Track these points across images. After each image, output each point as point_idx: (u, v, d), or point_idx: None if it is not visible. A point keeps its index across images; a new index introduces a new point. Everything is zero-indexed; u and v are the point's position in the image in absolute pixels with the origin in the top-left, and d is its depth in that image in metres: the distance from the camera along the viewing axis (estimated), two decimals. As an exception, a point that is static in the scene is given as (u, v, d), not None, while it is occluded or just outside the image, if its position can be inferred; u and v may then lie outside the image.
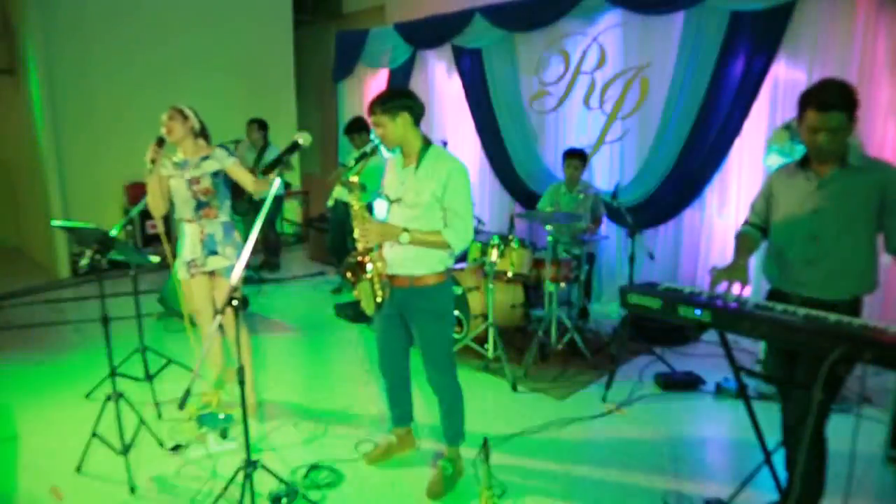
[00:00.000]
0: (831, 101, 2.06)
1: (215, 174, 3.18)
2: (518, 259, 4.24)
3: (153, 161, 3.12)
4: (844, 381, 2.13)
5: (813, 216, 2.22)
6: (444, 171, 2.49)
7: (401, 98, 2.55)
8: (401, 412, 2.99)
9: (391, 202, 2.64)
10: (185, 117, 3.20)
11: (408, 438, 3.05)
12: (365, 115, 7.33)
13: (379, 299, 2.63)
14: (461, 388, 2.79)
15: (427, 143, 2.59)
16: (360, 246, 2.57)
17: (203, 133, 3.28)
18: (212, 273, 3.25)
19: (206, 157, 3.19)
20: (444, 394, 2.75)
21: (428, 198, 2.50)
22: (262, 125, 6.37)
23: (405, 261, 2.56)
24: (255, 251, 3.21)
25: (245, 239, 3.16)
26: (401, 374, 2.89)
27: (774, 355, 2.46)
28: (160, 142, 3.16)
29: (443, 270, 2.61)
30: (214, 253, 3.22)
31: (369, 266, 2.58)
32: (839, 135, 2.09)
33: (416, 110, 2.58)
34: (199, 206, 3.19)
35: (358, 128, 5.46)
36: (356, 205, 2.57)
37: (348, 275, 2.62)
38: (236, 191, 3.42)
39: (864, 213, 2.16)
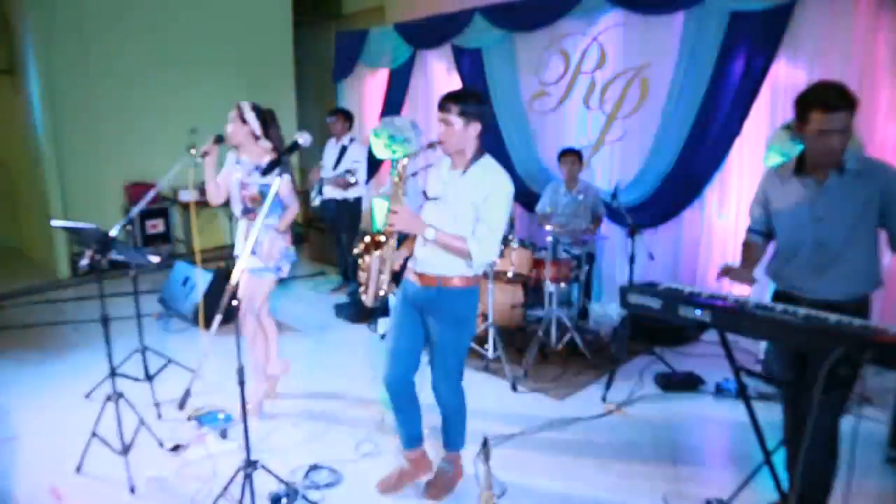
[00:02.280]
0: (836, 101, 2.04)
1: (264, 185, 3.15)
2: (518, 259, 4.24)
3: (204, 155, 3.16)
4: (855, 380, 2.13)
5: (817, 225, 2.22)
6: (490, 183, 2.44)
7: (480, 105, 2.44)
8: (410, 432, 2.80)
9: (428, 199, 2.60)
10: (244, 122, 3.19)
11: (423, 462, 2.86)
12: (360, 114, 7.37)
13: (382, 293, 2.61)
14: (465, 400, 2.76)
15: (481, 152, 2.52)
16: (385, 227, 2.53)
17: (267, 134, 3.24)
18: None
19: (258, 168, 3.16)
20: (449, 400, 2.71)
21: (465, 203, 2.45)
22: None
23: (435, 259, 2.52)
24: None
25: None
26: (407, 385, 2.73)
27: (781, 356, 2.46)
28: (218, 139, 3.20)
29: (471, 275, 2.55)
30: (254, 253, 3.25)
31: (382, 239, 2.55)
32: (846, 135, 2.08)
33: (487, 122, 2.50)
34: (246, 210, 3.25)
35: (345, 117, 5.62)
36: (396, 188, 2.51)
37: (361, 247, 2.60)
38: None
39: (867, 217, 2.16)
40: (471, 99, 2.43)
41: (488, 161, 2.52)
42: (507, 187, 2.48)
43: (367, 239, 2.62)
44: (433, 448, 3.09)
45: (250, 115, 3.19)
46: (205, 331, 3.38)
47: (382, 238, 2.58)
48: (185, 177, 3.22)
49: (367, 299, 2.68)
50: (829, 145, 2.11)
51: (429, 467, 2.87)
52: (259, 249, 3.24)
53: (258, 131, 3.22)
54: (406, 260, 2.70)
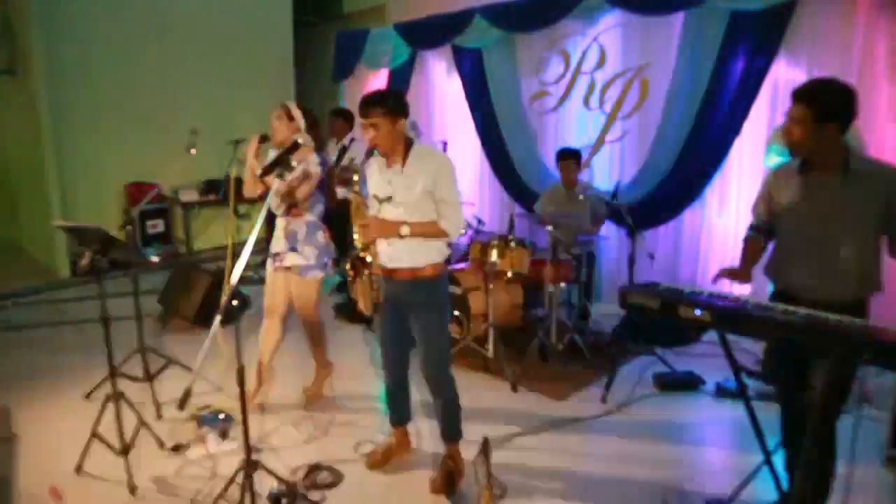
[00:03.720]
0: (798, 92, 2.14)
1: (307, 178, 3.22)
2: (518, 259, 4.24)
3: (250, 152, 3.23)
4: (852, 381, 2.13)
5: (818, 223, 2.22)
6: (433, 166, 2.54)
7: (399, 101, 2.56)
8: (400, 413, 2.99)
9: (380, 202, 2.65)
10: (292, 119, 3.24)
11: (405, 439, 3.05)
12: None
13: (377, 299, 2.70)
14: (456, 385, 2.80)
15: (410, 142, 2.61)
16: (359, 242, 2.61)
17: (310, 133, 3.30)
18: (289, 269, 3.31)
19: (299, 163, 3.19)
20: (441, 389, 2.76)
21: (420, 193, 2.54)
22: None
23: (404, 254, 2.59)
24: (257, 251, 3.22)
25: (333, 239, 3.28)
26: (402, 373, 2.89)
27: (779, 356, 2.46)
28: (263, 138, 3.26)
29: (441, 262, 2.65)
30: (294, 250, 3.28)
31: (369, 259, 2.64)
32: (800, 127, 2.13)
33: (408, 114, 2.61)
34: (289, 205, 3.26)
35: (346, 117, 5.61)
36: (355, 200, 2.62)
37: (350, 270, 2.67)
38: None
39: (870, 218, 2.16)
40: (389, 97, 2.55)
41: (419, 148, 2.62)
42: (448, 162, 2.59)
43: (353, 262, 2.69)
44: (433, 446, 3.10)
45: (297, 113, 3.25)
46: (206, 330, 3.39)
47: (368, 258, 2.66)
48: (187, 174, 3.25)
49: (367, 308, 2.78)
50: (786, 131, 2.21)
51: (409, 445, 3.08)
52: (299, 245, 3.26)
53: (303, 128, 3.27)
54: None
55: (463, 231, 2.63)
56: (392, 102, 2.52)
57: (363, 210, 2.64)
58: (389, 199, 2.61)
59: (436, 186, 2.53)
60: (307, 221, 3.28)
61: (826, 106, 2.08)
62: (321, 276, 3.37)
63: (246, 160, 3.28)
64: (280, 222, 3.34)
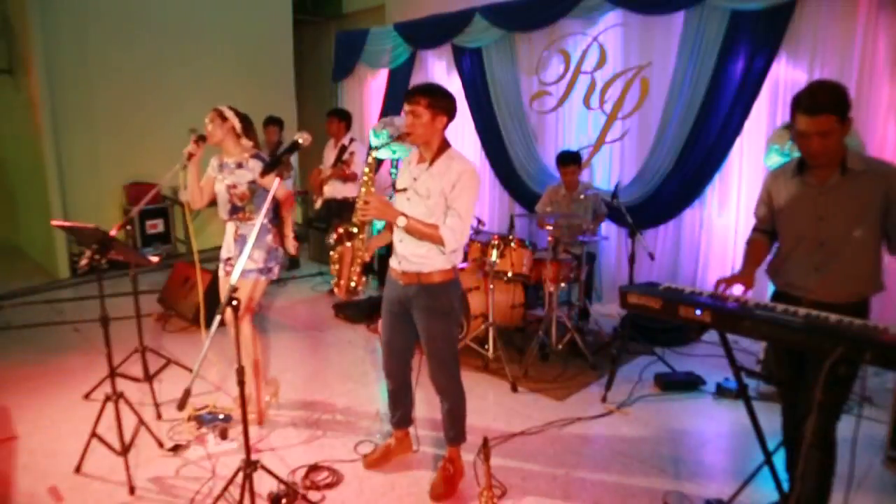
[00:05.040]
0: (820, 104, 2.05)
1: (251, 182, 3.19)
2: (518, 259, 4.24)
3: (190, 156, 3.17)
4: (852, 382, 2.13)
5: (819, 224, 2.22)
6: (456, 172, 2.50)
7: (447, 100, 2.53)
8: (402, 415, 2.97)
9: (397, 192, 2.65)
10: (224, 119, 3.22)
11: (406, 441, 3.04)
12: (360, 114, 7.37)
13: (353, 284, 2.65)
14: (463, 389, 2.79)
15: (447, 145, 2.59)
16: (357, 217, 2.56)
17: (247, 133, 3.28)
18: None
19: (241, 165, 3.19)
20: (447, 394, 2.75)
21: (436, 194, 2.51)
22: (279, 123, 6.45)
23: (414, 257, 2.57)
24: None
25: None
26: (404, 376, 2.88)
27: (779, 356, 2.46)
28: (201, 138, 3.21)
29: (448, 268, 2.61)
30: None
31: (354, 230, 2.60)
32: (830, 138, 2.07)
33: (453, 117, 2.57)
34: (234, 209, 3.22)
35: (342, 117, 5.63)
36: (367, 176, 2.57)
37: (334, 237, 2.64)
38: None
39: (869, 218, 2.15)
40: (438, 93, 2.52)
41: (453, 152, 2.59)
42: (472, 174, 2.54)
43: (340, 230, 2.64)
44: (433, 447, 3.10)
45: (229, 113, 3.24)
46: (205, 331, 3.36)
47: (355, 230, 2.62)
48: (176, 178, 3.21)
49: (340, 292, 2.72)
50: (806, 147, 2.14)
51: (410, 447, 3.06)
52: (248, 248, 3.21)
53: (239, 128, 3.24)
54: (382, 257, 2.72)
55: (459, 246, 2.55)
56: (438, 98, 2.49)
57: (371, 186, 2.59)
58: (406, 191, 2.61)
59: (451, 192, 2.49)
60: (258, 224, 3.22)
61: (846, 108, 2.06)
62: (263, 280, 3.26)
63: (189, 166, 3.20)
64: (229, 227, 3.27)
